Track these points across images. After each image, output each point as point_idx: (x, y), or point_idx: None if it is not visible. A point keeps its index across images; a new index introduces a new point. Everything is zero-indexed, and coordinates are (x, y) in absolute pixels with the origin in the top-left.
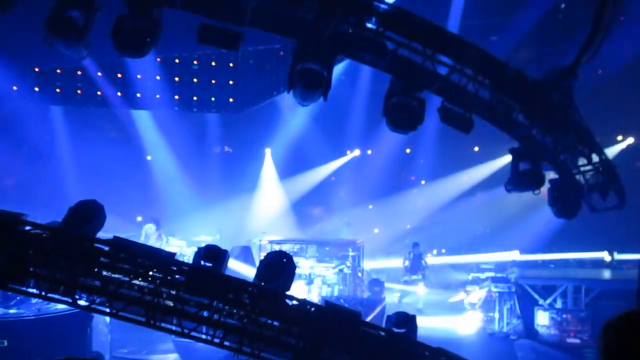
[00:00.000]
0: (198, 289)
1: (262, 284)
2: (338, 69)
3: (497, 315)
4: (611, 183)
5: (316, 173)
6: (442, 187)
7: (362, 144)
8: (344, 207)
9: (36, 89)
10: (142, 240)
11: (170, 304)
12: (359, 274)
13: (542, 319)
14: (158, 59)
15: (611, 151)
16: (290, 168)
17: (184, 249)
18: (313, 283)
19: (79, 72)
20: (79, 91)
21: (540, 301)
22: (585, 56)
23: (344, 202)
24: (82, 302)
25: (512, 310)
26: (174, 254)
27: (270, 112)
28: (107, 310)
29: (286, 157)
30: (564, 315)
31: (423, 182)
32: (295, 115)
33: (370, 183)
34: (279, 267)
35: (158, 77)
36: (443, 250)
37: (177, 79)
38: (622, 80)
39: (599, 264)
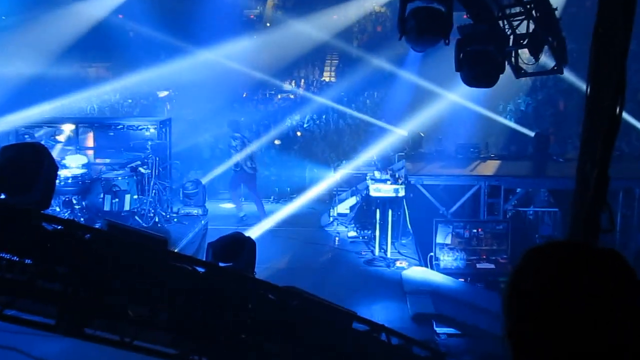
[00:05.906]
0: None
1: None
2: None
3: (377, 232)
4: (548, 34)
5: (90, 7)
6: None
7: None
8: (139, 64)
9: None
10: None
11: None
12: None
13: (443, 235)
14: None
15: None
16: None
17: None
18: (100, 192)
19: None
20: None
21: (442, 210)
22: None
23: (139, 57)
24: None
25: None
26: None
27: None
28: None
29: None
30: (474, 230)
31: (268, 24)
32: None
33: (182, 25)
34: (25, 169)
35: None
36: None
37: None
38: None
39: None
